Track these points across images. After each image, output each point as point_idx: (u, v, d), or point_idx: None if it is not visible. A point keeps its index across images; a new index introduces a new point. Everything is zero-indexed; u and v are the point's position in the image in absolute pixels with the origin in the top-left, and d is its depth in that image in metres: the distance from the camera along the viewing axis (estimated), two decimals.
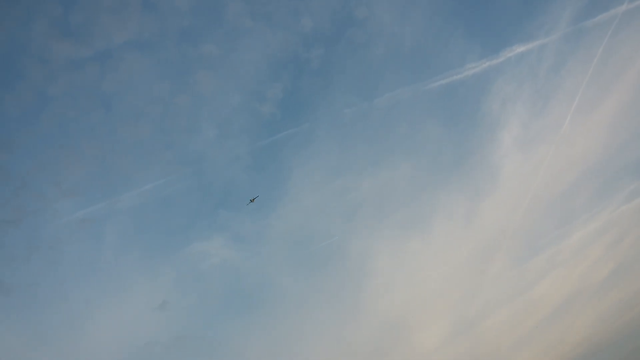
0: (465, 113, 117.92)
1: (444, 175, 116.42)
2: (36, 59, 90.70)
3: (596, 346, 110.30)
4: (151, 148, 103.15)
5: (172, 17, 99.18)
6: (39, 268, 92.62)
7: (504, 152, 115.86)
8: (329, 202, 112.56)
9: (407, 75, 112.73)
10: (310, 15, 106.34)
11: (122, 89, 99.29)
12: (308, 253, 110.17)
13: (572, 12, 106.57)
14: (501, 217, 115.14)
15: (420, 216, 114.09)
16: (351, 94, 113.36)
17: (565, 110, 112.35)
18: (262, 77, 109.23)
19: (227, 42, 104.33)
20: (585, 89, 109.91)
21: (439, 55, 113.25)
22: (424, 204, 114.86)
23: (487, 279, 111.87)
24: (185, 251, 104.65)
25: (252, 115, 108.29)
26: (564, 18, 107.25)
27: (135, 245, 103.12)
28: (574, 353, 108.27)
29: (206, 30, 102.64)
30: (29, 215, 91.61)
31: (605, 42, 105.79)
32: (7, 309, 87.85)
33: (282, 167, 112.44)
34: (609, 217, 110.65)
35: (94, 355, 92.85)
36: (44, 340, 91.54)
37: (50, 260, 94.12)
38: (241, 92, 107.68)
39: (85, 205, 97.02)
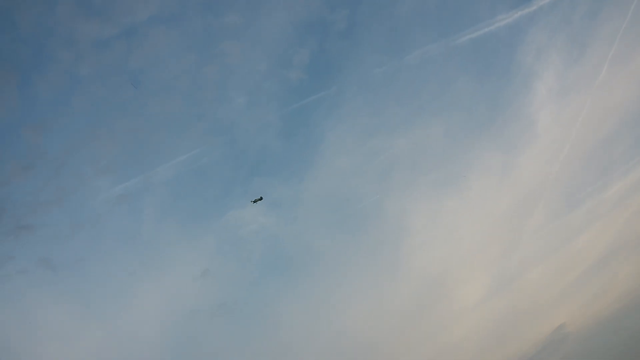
0: (498, 66, 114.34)
1: (478, 130, 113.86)
2: (63, 40, 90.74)
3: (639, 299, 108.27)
4: (182, 120, 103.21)
5: None
6: (83, 244, 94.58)
7: (539, 103, 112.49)
8: (363, 163, 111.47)
9: (436, 31, 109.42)
10: None
11: (150, 64, 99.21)
12: (344, 215, 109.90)
13: None
14: (538, 170, 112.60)
15: (455, 173, 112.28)
16: (379, 53, 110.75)
17: (603, 58, 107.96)
18: (288, 42, 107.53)
19: (250, 10, 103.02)
20: (623, 34, 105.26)
21: (468, 8, 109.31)
22: (459, 160, 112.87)
23: (526, 233, 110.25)
24: (223, 220, 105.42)
25: (280, 81, 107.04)
26: None
27: (173, 216, 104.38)
28: (616, 306, 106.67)
29: (228, 0, 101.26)
30: (69, 194, 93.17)
31: None
32: (55, 285, 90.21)
33: (313, 131, 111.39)
34: None
35: (141, 325, 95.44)
36: (92, 313, 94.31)
37: (93, 237, 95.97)
38: (267, 59, 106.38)
39: (122, 181, 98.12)
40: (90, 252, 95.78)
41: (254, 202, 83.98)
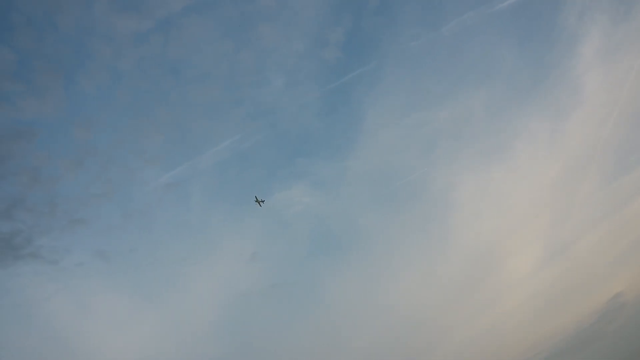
0: (539, 30, 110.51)
1: (522, 97, 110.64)
2: (103, 37, 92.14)
3: None
4: (223, 106, 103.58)
5: None
6: (134, 234, 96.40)
7: (585, 65, 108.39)
8: (405, 138, 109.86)
9: None
10: None
11: (187, 54, 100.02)
12: (389, 191, 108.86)
13: None
14: (588, 135, 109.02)
15: (501, 142, 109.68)
16: (416, 25, 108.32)
17: None
18: (322, 22, 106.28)
19: None
20: None
21: None
22: (504, 129, 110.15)
23: (577, 199, 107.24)
24: (269, 202, 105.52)
25: (318, 60, 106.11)
26: None
27: (220, 201, 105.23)
28: None
29: None
30: (119, 186, 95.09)
31: None
32: (111, 275, 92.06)
33: (354, 108, 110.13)
34: None
35: (194, 309, 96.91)
36: (147, 299, 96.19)
37: (143, 226, 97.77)
38: (303, 39, 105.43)
39: (168, 170, 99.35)
40: (142, 241, 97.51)
41: (258, 202, 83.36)
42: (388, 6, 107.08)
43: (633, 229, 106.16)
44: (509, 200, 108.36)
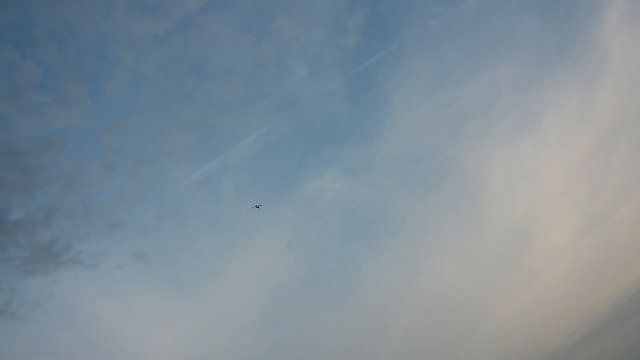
0: None
1: (548, 68, 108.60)
2: (123, 42, 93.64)
3: None
4: (247, 101, 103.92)
5: None
6: (170, 233, 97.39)
7: (611, 31, 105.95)
8: (433, 118, 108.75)
9: None
10: None
11: (208, 52, 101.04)
12: (420, 172, 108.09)
13: None
14: (618, 102, 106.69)
15: (530, 116, 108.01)
16: (435, 3, 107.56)
17: None
18: (340, 9, 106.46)
19: None
20: None
21: None
22: (532, 102, 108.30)
23: (612, 169, 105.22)
24: (300, 191, 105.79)
25: (339, 47, 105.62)
26: None
27: (252, 194, 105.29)
28: None
29: None
30: (151, 187, 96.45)
31: None
32: (150, 275, 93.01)
33: (379, 92, 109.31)
34: None
35: (234, 303, 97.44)
36: (186, 297, 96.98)
37: (178, 224, 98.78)
38: (322, 27, 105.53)
39: (198, 168, 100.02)
40: (178, 240, 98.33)
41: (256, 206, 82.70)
42: None
43: None
44: (541, 174, 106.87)
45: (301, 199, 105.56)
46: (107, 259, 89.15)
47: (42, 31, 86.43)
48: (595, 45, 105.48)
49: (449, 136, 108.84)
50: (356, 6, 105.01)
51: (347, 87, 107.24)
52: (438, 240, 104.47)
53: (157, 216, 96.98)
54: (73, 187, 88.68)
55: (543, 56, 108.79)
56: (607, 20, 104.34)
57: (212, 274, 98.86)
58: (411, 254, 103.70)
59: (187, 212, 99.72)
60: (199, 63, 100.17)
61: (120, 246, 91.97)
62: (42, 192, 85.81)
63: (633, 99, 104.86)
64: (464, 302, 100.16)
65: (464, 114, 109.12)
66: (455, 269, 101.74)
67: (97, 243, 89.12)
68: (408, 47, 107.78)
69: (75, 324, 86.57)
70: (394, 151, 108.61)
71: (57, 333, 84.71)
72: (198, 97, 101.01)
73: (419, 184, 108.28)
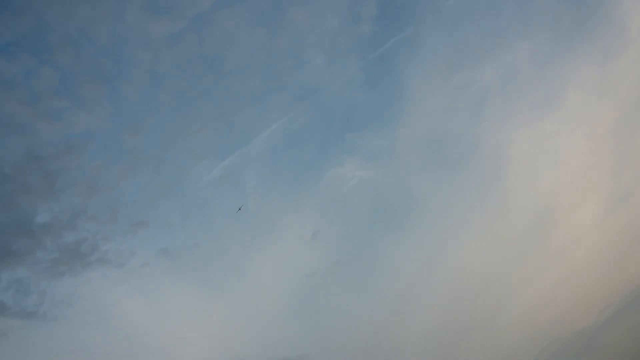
0: None
1: (567, 44, 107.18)
2: (138, 43, 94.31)
3: None
4: (265, 94, 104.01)
5: None
6: (195, 229, 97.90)
7: (628, 4, 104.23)
8: (452, 100, 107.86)
9: None
10: None
11: (223, 48, 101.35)
12: (442, 156, 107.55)
13: None
14: (639, 76, 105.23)
15: (550, 93, 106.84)
16: None
17: None
18: None
19: None
20: None
21: None
22: (552, 79, 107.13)
23: (635, 145, 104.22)
24: (323, 180, 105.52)
25: (354, 34, 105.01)
26: None
27: (275, 186, 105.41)
28: None
29: None
30: (173, 185, 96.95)
31: None
32: (177, 271, 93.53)
33: (397, 77, 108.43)
34: None
35: (262, 295, 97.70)
36: (214, 292, 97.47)
37: (202, 220, 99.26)
38: (337, 15, 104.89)
39: (220, 162, 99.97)
40: (204, 235, 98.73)
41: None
42: None
43: None
44: (565, 152, 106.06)
45: (324, 187, 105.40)
46: (133, 258, 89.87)
47: (57, 37, 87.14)
48: (614, 18, 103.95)
49: (469, 118, 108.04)
50: None
51: (365, 74, 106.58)
52: (463, 222, 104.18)
53: (181, 213, 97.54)
54: (96, 189, 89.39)
55: (561, 33, 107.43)
56: None
57: (239, 267, 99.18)
58: (436, 237, 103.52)
59: (211, 207, 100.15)
60: (215, 60, 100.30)
61: (146, 244, 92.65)
62: (66, 195, 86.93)
63: None
64: (491, 284, 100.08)
65: (483, 94, 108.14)
66: (481, 250, 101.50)
67: (123, 242, 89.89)
68: (424, 30, 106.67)
69: (106, 322, 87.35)
70: (415, 135, 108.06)
71: (89, 332, 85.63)
72: (215, 93, 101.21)
73: (442, 167, 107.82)
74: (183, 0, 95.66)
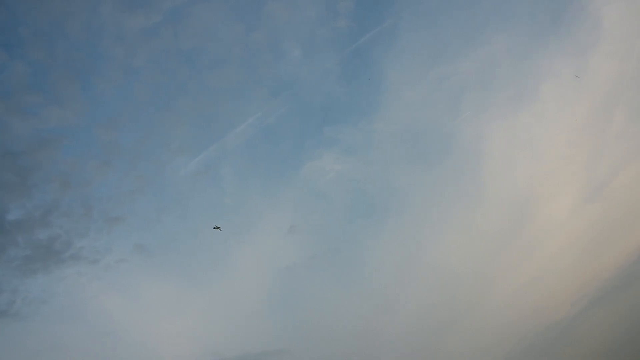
0: None
1: (543, 37, 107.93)
2: (112, 37, 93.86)
3: None
4: (242, 88, 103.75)
5: None
6: (172, 224, 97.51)
7: None
8: (430, 93, 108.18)
9: None
10: None
11: (199, 42, 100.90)
12: (419, 149, 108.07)
13: None
14: (613, 70, 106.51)
15: (527, 86, 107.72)
16: None
17: None
18: None
19: None
20: None
21: None
22: (529, 73, 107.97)
23: (609, 137, 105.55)
24: (300, 174, 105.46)
25: (332, 27, 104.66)
26: None
27: (252, 179, 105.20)
28: None
29: None
30: (150, 180, 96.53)
31: None
32: (154, 267, 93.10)
33: (375, 70, 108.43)
34: None
35: (240, 289, 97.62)
36: (193, 287, 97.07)
37: (180, 215, 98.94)
38: (314, 7, 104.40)
39: (196, 157, 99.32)
40: (181, 230, 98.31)
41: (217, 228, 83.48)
42: None
43: None
44: (540, 145, 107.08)
45: (301, 181, 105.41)
46: (109, 254, 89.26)
47: (29, 31, 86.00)
48: (588, 13, 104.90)
49: (447, 111, 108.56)
50: None
51: (342, 67, 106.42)
52: (440, 216, 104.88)
53: (158, 208, 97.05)
54: (70, 185, 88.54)
55: (537, 26, 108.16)
56: None
57: (217, 261, 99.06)
58: (414, 230, 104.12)
59: (188, 202, 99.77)
60: (191, 53, 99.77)
61: (122, 240, 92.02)
62: (39, 192, 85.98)
63: (627, 66, 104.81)
64: (469, 277, 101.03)
65: (461, 88, 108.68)
66: (458, 244, 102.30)
67: (98, 239, 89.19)
68: (401, 23, 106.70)
69: (81, 319, 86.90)
70: (393, 128, 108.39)
71: (64, 329, 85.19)
72: (191, 87, 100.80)
73: (419, 160, 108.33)
74: None
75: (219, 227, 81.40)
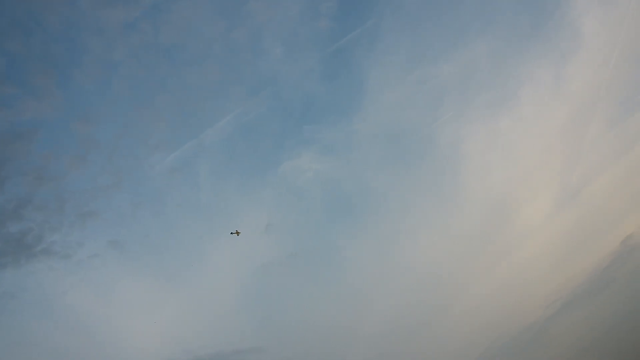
0: None
1: (523, 44, 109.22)
2: (92, 30, 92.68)
3: None
4: (223, 85, 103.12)
5: None
6: (147, 220, 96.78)
7: (582, 8, 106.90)
8: (411, 95, 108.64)
9: None
10: None
11: (180, 38, 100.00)
12: (398, 150, 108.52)
13: None
14: (590, 78, 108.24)
15: (506, 91, 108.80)
16: None
17: None
18: None
19: None
20: None
21: None
22: (509, 78, 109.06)
23: (585, 144, 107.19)
24: (278, 172, 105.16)
25: (313, 27, 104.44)
26: None
27: (230, 176, 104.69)
28: None
29: None
30: (126, 176, 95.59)
31: None
32: (128, 263, 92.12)
33: (356, 70, 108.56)
34: None
35: (216, 286, 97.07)
36: (168, 283, 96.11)
37: (155, 211, 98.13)
38: (296, 6, 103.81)
39: (174, 153, 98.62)
40: (156, 226, 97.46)
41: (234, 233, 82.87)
42: None
43: None
44: (518, 150, 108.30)
45: (280, 179, 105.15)
46: (81, 249, 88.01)
47: (5, 21, 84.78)
48: (568, 21, 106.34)
49: (426, 113, 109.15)
50: None
51: (324, 65, 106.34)
52: (417, 217, 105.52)
53: (133, 204, 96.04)
54: (44, 178, 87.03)
55: (518, 33, 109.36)
56: None
57: (192, 258, 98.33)
58: (391, 231, 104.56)
59: (165, 198, 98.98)
60: (171, 49, 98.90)
61: (96, 236, 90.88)
62: (12, 184, 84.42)
63: (604, 74, 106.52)
64: (443, 279, 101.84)
65: (441, 91, 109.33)
66: (434, 246, 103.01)
67: (71, 233, 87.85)
68: (384, 24, 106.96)
69: (53, 314, 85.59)
70: (373, 129, 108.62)
71: (35, 324, 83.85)
72: (171, 84, 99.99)
73: (398, 162, 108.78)
74: None
75: (237, 232, 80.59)
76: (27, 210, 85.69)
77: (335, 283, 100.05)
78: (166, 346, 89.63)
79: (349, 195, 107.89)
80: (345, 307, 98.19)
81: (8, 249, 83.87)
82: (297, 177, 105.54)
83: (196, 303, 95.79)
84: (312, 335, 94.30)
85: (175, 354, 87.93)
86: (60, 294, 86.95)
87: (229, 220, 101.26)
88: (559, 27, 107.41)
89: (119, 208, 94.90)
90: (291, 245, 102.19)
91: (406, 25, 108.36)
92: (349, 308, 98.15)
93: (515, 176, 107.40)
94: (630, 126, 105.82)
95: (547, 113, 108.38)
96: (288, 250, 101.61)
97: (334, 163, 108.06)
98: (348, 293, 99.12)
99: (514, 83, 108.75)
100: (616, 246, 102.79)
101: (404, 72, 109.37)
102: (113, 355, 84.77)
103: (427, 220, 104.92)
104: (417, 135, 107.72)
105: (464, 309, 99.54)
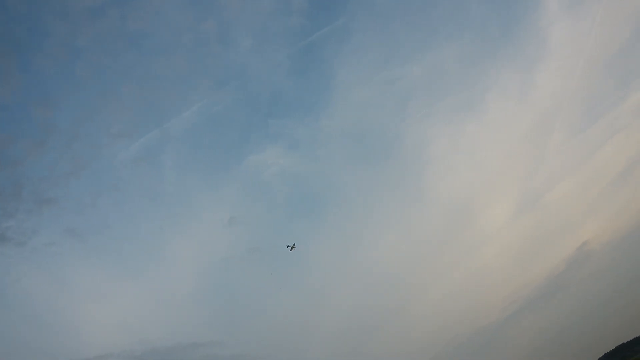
0: None
1: (492, 50, 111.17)
2: (56, 14, 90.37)
3: None
4: (189, 75, 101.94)
5: None
6: (107, 210, 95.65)
7: (550, 18, 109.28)
8: (378, 95, 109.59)
9: None
10: None
11: (147, 26, 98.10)
12: (364, 149, 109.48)
13: None
14: (556, 86, 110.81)
15: (473, 96, 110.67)
16: None
17: None
18: None
19: None
20: None
21: None
22: (476, 82, 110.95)
23: (547, 151, 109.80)
24: (243, 166, 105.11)
25: (284, 22, 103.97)
26: None
27: (193, 168, 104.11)
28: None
29: None
30: (87, 163, 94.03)
31: None
32: (85, 252, 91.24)
33: (325, 67, 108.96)
34: None
35: (175, 276, 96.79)
36: (126, 272, 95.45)
37: (116, 201, 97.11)
38: (267, 0, 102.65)
39: (138, 142, 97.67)
40: (117, 216, 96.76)
41: (290, 247, 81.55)
42: None
43: (601, 177, 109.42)
44: (482, 154, 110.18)
45: (244, 173, 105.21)
46: (37, 236, 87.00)
47: None
48: (536, 30, 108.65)
49: (394, 113, 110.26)
50: None
51: (293, 61, 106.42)
52: (379, 216, 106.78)
53: (93, 192, 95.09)
54: (1, 163, 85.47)
55: (487, 38, 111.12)
56: (548, 5, 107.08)
57: (152, 249, 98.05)
58: (353, 230, 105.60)
59: (126, 187, 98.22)
60: (138, 38, 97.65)
61: (52, 223, 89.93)
62: None
63: (569, 83, 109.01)
64: (403, 280, 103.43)
65: (409, 92, 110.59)
66: (395, 246, 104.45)
67: (27, 220, 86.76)
68: (355, 23, 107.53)
69: (5, 301, 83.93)
70: (339, 127, 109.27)
71: None
72: (137, 72, 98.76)
73: (363, 160, 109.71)
74: None
75: (293, 246, 78.03)
76: None
77: (296, 279, 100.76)
78: (123, 336, 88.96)
79: (313, 192, 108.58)
80: (305, 304, 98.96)
81: None
82: (262, 171, 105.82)
83: (155, 294, 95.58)
84: (271, 331, 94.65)
85: (132, 344, 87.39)
86: (14, 282, 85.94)
87: (192, 211, 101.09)
88: (527, 34, 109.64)
89: (78, 196, 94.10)
90: (253, 240, 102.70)
91: (376, 26, 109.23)
92: (309, 305, 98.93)
93: (478, 180, 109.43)
94: (590, 135, 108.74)
95: (512, 118, 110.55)
96: (250, 244, 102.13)
97: (300, 159, 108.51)
98: (308, 290, 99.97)
99: (481, 87, 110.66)
100: (572, 252, 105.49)
101: (372, 71, 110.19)
102: (67, 344, 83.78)
103: (390, 221, 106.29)
104: (384, 135, 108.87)
105: (420, 310, 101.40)
